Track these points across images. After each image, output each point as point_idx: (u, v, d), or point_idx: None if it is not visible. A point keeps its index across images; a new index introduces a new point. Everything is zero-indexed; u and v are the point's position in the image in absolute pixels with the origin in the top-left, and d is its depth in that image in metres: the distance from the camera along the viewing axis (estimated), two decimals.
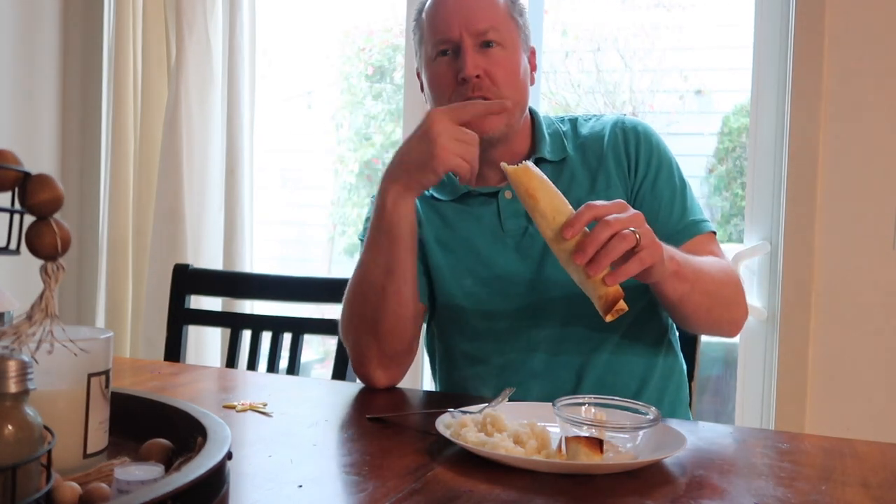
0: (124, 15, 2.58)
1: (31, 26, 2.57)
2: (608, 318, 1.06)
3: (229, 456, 0.73)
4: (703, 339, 1.57)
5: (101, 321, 2.65)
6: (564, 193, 1.11)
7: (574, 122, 1.46)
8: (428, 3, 1.38)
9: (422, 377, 2.36)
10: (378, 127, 2.86)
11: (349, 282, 1.34)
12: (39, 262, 0.62)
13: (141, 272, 2.62)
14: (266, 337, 1.73)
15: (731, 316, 1.34)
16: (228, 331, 1.79)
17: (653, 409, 0.99)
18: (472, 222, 1.39)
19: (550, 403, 1.01)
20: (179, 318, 1.76)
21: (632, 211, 1.09)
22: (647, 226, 1.09)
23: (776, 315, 2.12)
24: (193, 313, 1.80)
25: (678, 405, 1.40)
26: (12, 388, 0.60)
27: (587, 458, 0.89)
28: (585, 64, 2.65)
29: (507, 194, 1.38)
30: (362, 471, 0.90)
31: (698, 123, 2.65)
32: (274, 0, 2.74)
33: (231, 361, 1.73)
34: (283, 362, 1.72)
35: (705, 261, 1.28)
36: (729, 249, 2.16)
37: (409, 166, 1.23)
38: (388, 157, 2.83)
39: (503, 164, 1.13)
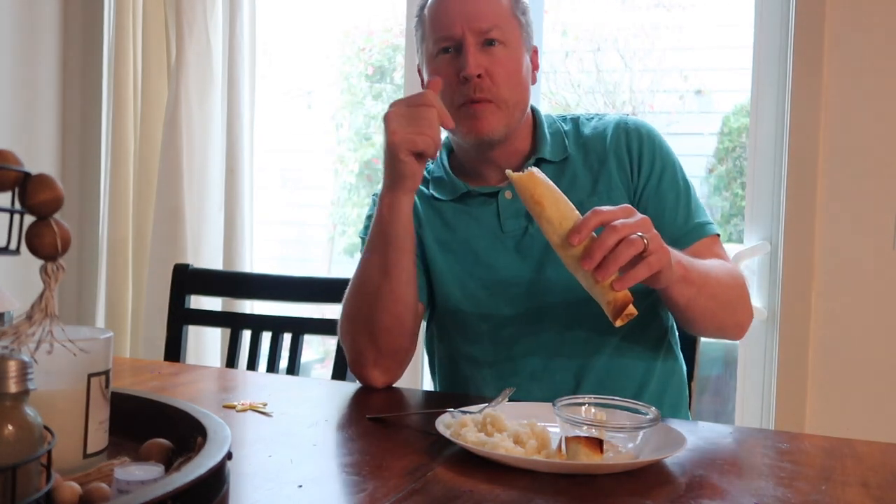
0: (124, 15, 2.58)
1: (31, 26, 2.57)
2: (618, 323, 1.06)
3: (229, 456, 0.73)
4: (704, 339, 1.57)
5: (101, 321, 2.65)
6: (565, 194, 1.11)
7: (576, 121, 1.45)
8: (430, 0, 1.37)
9: (422, 377, 2.36)
10: (378, 127, 2.86)
11: (349, 282, 1.34)
12: (39, 262, 0.62)
13: (141, 272, 2.62)
14: (266, 337, 1.73)
15: (736, 319, 1.33)
16: (228, 331, 1.79)
17: (653, 409, 0.99)
18: (471, 223, 1.39)
19: (550, 403, 1.01)
20: (179, 318, 1.76)
21: (639, 216, 1.08)
22: (655, 230, 1.09)
23: (776, 315, 2.12)
24: (193, 313, 1.80)
25: (678, 408, 1.40)
26: (12, 388, 0.60)
27: (587, 458, 0.89)
28: (585, 64, 2.65)
29: (507, 194, 1.37)
30: (362, 471, 0.90)
31: (698, 123, 2.65)
32: (274, 0, 2.74)
33: (231, 361, 1.73)
34: (283, 362, 1.72)
35: (711, 264, 1.27)
36: (729, 249, 2.15)
37: (385, 166, 1.26)
38: None
39: (508, 172, 1.12)
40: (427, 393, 1.41)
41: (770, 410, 2.13)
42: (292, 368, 1.68)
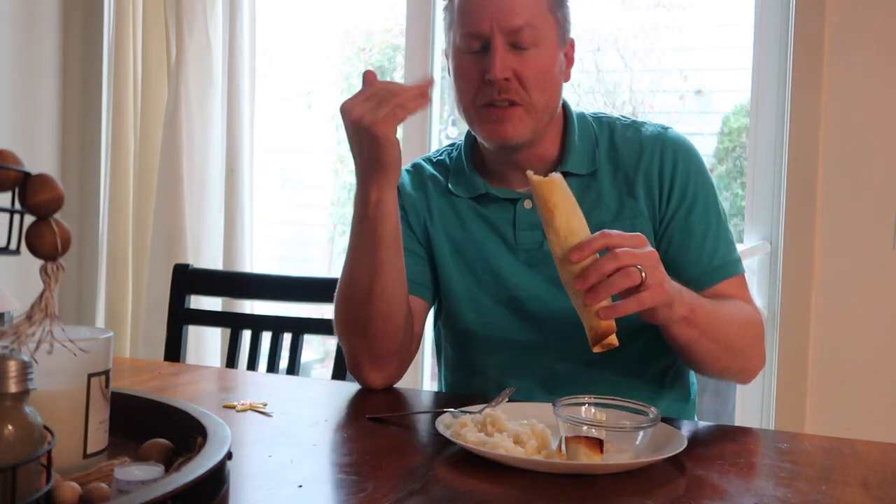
0: (124, 15, 2.57)
1: (31, 26, 2.57)
2: (595, 349, 1.03)
3: (229, 456, 0.73)
4: None
5: (101, 321, 2.65)
6: (588, 213, 1.07)
7: (612, 126, 1.35)
8: None
9: (422, 377, 2.36)
10: None
11: (337, 283, 1.29)
12: (39, 262, 0.62)
13: (141, 272, 2.62)
14: (266, 337, 1.73)
15: (741, 366, 1.26)
16: (228, 331, 1.79)
17: (653, 409, 0.99)
18: (486, 228, 1.33)
19: (550, 403, 1.01)
20: (179, 318, 1.76)
21: (647, 248, 1.04)
22: (661, 267, 1.05)
23: (776, 315, 2.12)
24: (193, 313, 1.80)
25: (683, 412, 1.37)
26: (12, 388, 0.60)
27: (587, 458, 0.89)
28: (585, 64, 2.65)
29: (527, 204, 1.30)
30: (362, 471, 0.90)
31: (698, 123, 2.65)
32: (274, 0, 2.74)
33: (231, 361, 1.73)
34: (283, 362, 1.72)
35: (726, 308, 1.21)
36: None
37: (361, 158, 1.17)
38: None
39: (529, 173, 1.07)
40: (427, 393, 1.40)
41: (770, 410, 2.13)
42: (292, 368, 1.68)
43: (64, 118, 2.70)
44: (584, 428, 0.95)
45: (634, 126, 1.34)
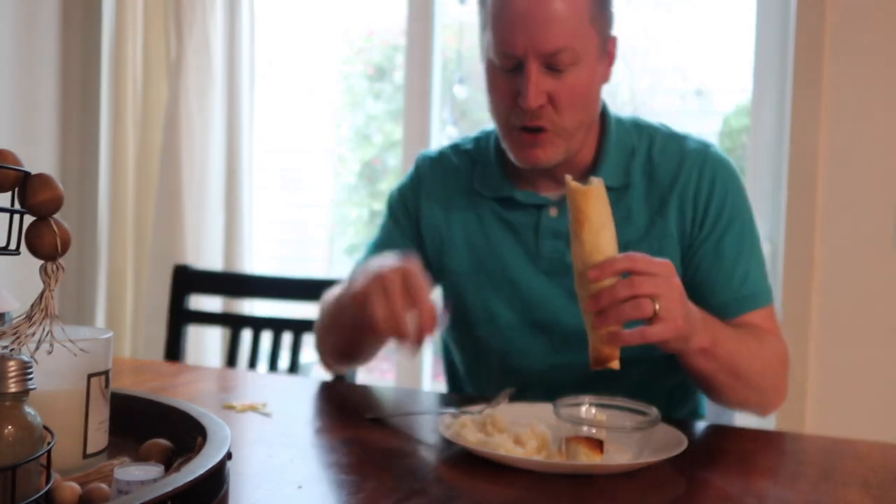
0: (124, 15, 2.58)
1: (30, 27, 2.57)
2: (593, 367, 1.01)
3: (229, 456, 0.73)
4: None
5: (101, 321, 2.65)
6: (616, 227, 1.01)
7: (651, 136, 1.28)
8: None
9: (422, 377, 2.36)
10: (378, 127, 2.86)
11: (327, 303, 1.29)
12: (39, 262, 0.62)
13: (141, 272, 2.62)
14: (266, 337, 1.73)
15: (760, 400, 1.21)
16: (228, 331, 1.80)
17: (653, 409, 0.99)
18: (507, 232, 1.29)
19: (550, 403, 1.00)
20: (179, 318, 1.76)
21: (673, 280, 1.00)
22: (681, 301, 1.00)
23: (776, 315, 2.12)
24: (193, 313, 1.81)
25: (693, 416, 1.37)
26: (12, 388, 0.60)
27: (587, 458, 0.89)
28: None
29: (553, 211, 1.26)
30: (362, 471, 0.90)
31: (698, 123, 2.64)
32: (274, 0, 2.74)
33: (231, 361, 1.73)
34: (283, 362, 1.72)
35: (751, 342, 1.17)
36: None
37: (364, 287, 1.07)
38: (389, 157, 2.84)
39: (567, 178, 1.01)
40: (428, 393, 1.40)
41: None
42: (292, 368, 1.68)
43: (64, 118, 2.70)
44: (585, 428, 0.95)
45: (676, 138, 1.28)
